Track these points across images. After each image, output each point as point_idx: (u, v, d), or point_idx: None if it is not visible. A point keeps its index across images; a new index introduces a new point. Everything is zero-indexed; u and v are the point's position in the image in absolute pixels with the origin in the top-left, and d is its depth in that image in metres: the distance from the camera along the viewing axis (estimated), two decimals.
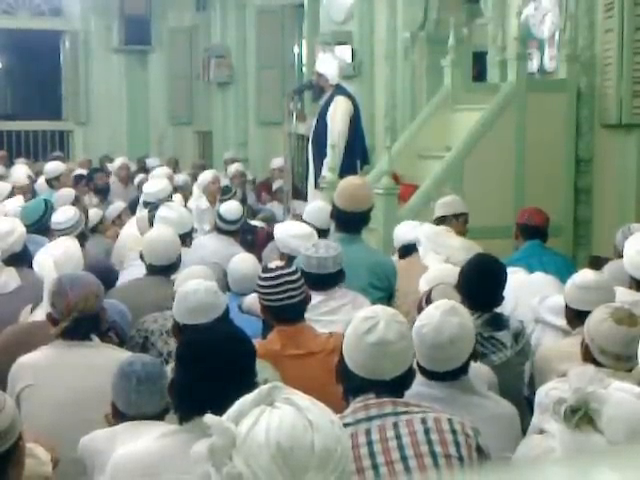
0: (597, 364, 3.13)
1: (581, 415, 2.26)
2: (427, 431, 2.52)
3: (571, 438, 2.28)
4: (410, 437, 2.51)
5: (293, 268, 3.80)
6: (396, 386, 2.64)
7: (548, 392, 2.68)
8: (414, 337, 3.04)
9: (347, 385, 2.68)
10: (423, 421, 2.53)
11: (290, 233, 5.19)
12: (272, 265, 3.84)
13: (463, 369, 3.05)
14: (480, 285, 3.94)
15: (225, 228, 6.26)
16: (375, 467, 2.49)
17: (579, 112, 6.90)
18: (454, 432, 2.54)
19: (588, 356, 3.26)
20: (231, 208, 6.36)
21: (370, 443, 2.51)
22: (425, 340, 2.99)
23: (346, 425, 2.46)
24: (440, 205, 5.76)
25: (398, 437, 2.51)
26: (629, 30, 6.56)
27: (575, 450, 2.26)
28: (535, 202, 6.14)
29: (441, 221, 5.57)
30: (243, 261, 4.97)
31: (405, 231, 5.42)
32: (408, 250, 5.29)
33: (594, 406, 2.25)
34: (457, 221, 5.65)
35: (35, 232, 5.81)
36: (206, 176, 8.80)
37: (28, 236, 5.65)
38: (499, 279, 4.08)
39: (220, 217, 6.31)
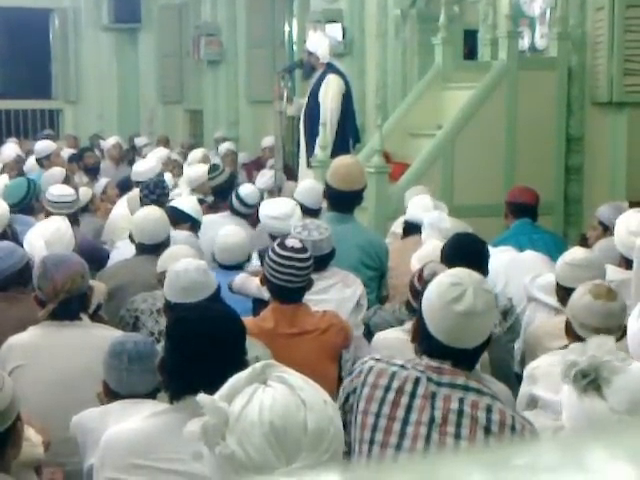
0: (579, 339, 3.16)
1: (589, 380, 2.26)
2: (489, 422, 2.44)
3: (577, 401, 2.29)
4: (470, 420, 2.44)
5: (307, 254, 3.71)
6: (477, 353, 2.57)
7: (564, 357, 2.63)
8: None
9: (424, 346, 2.57)
10: (488, 409, 2.46)
11: (269, 215, 5.14)
12: (289, 243, 3.72)
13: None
14: (461, 264, 3.89)
15: (242, 210, 6.14)
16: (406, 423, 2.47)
17: (570, 90, 6.90)
18: (514, 429, 2.45)
19: (570, 332, 3.29)
20: (252, 192, 6.22)
21: (434, 408, 2.47)
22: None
23: (401, 367, 2.50)
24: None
25: (460, 414, 2.45)
26: (620, 8, 6.54)
27: (578, 414, 2.29)
28: (526, 180, 6.14)
29: None
30: (232, 232, 5.01)
31: (417, 207, 5.28)
32: (413, 228, 5.18)
33: (605, 374, 2.25)
34: None
35: (19, 212, 5.80)
36: (196, 155, 8.76)
37: (14, 216, 5.65)
38: (480, 256, 4.06)
39: (239, 198, 6.12)
